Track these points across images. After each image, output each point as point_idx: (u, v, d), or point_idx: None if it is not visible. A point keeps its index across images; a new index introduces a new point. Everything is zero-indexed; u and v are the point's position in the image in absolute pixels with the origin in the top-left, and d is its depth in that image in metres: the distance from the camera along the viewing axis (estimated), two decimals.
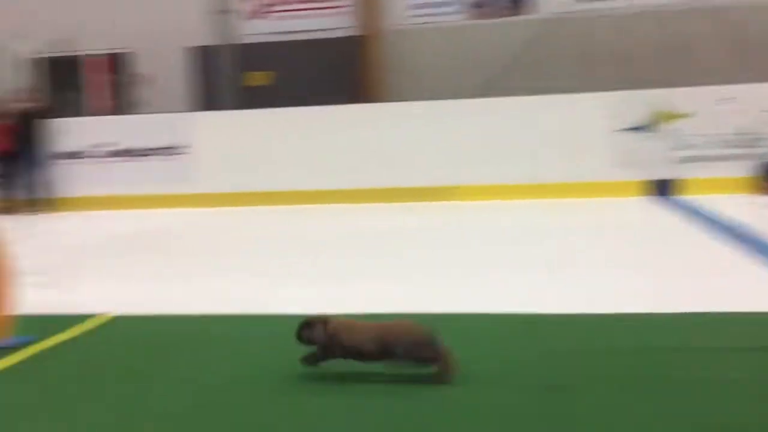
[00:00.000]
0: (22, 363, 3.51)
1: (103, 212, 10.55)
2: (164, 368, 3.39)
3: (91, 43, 12.02)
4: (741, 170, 9.32)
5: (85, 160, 11.14)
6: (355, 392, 2.95)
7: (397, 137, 10.37)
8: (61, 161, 11.06)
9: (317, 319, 3.03)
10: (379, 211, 9.27)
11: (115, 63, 12.82)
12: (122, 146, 11.06)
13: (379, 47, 12.60)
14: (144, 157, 11.01)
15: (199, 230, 8.69)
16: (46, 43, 12.67)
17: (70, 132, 11.05)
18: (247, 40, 12.82)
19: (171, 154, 10.90)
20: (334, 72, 12.62)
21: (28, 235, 7.75)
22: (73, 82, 12.81)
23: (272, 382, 3.11)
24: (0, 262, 3.67)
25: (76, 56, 12.39)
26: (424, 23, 12.71)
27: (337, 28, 12.87)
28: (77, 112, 11.77)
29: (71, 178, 10.98)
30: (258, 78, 12.65)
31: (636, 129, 9.91)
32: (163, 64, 13.11)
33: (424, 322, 3.09)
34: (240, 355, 3.53)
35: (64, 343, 3.85)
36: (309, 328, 3.02)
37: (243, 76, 12.60)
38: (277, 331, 3.59)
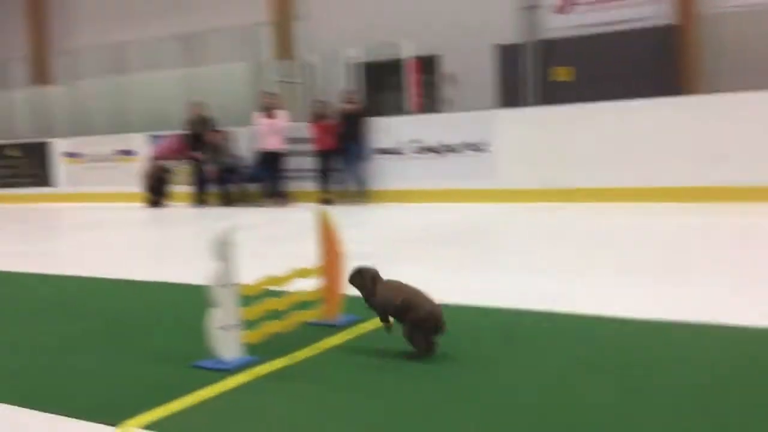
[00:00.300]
0: (350, 341, 3.75)
1: (414, 204, 11.19)
2: (507, 357, 3.43)
3: (407, 46, 12.76)
4: None
5: (398, 155, 11.90)
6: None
7: (726, 131, 9.50)
8: (379, 157, 11.95)
9: (362, 269, 3.54)
10: (713, 212, 8.59)
11: (426, 64, 13.47)
12: (429, 143, 11.61)
13: (697, 34, 11.64)
14: (450, 153, 11.44)
15: (503, 225, 8.79)
16: (369, 47, 13.74)
17: (386, 130, 11.89)
18: (551, 35, 12.66)
19: (475, 150, 11.19)
20: (644, 63, 11.94)
21: (352, 223, 8.45)
22: (392, 83, 13.72)
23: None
24: (332, 246, 4.03)
25: (394, 59, 13.25)
26: (745, 6, 11.47)
27: (647, 18, 12.15)
28: (397, 112, 12.59)
29: (387, 173, 11.83)
30: (562, 73, 12.44)
31: None
32: (471, 62, 13.47)
33: None
34: (561, 350, 3.47)
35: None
36: (356, 275, 3.54)
37: (548, 72, 12.48)
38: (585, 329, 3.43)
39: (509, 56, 12.77)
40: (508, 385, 3.03)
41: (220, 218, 10.83)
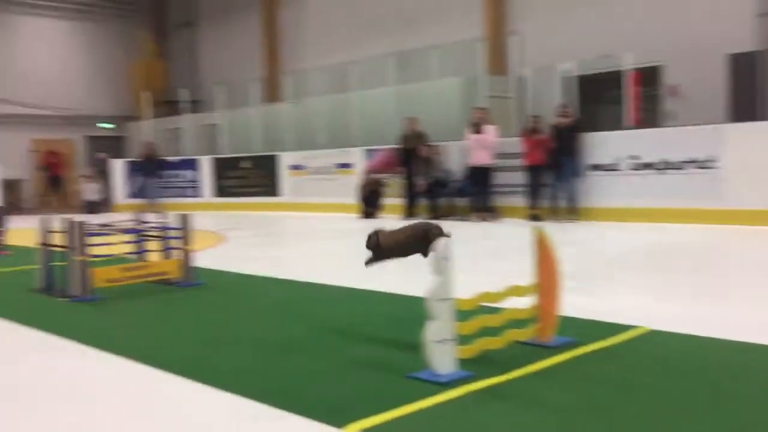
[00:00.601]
0: (564, 363, 3.61)
1: (630, 224, 10.59)
2: (691, 392, 3.13)
3: (626, 57, 12.17)
4: None
5: (613, 172, 11.33)
6: None
7: None
8: (592, 173, 11.46)
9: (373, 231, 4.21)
10: None
11: (647, 76, 12.75)
12: (649, 159, 10.94)
13: None
14: (671, 170, 10.70)
15: (730, 248, 8.03)
16: (583, 60, 13.29)
17: (601, 145, 11.39)
18: None
19: (700, 168, 10.36)
20: None
21: (564, 241, 8.12)
22: (609, 96, 13.16)
23: None
24: (548, 264, 3.87)
25: (610, 71, 12.70)
26: None
27: None
28: (614, 126, 12.04)
29: (600, 189, 11.31)
30: None
31: None
32: (697, 73, 12.55)
33: None
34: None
35: (603, 350, 3.87)
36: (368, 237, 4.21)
37: None
38: None
39: (743, 66, 11.72)
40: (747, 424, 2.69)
41: None
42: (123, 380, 3.61)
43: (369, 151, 15.10)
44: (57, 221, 6.22)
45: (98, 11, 23.20)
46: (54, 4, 22.47)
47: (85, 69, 22.97)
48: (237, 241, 10.52)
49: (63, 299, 5.80)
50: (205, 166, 18.05)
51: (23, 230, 10.77)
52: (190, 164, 18.17)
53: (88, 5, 22.94)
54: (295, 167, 16.67)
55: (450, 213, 12.98)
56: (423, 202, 13.36)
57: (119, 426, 2.97)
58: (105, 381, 3.61)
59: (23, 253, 8.84)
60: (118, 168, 19.00)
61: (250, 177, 17.42)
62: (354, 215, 14.15)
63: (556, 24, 14.78)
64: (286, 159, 16.83)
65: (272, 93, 20.35)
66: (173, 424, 2.98)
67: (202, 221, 11.65)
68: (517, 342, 3.90)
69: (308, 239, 10.88)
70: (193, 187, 18.22)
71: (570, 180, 11.44)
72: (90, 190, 18.38)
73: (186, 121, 19.78)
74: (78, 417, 3.08)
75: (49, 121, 22.05)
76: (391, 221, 13.04)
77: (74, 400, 3.32)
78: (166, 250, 6.56)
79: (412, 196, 13.41)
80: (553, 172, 11.63)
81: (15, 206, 19.15)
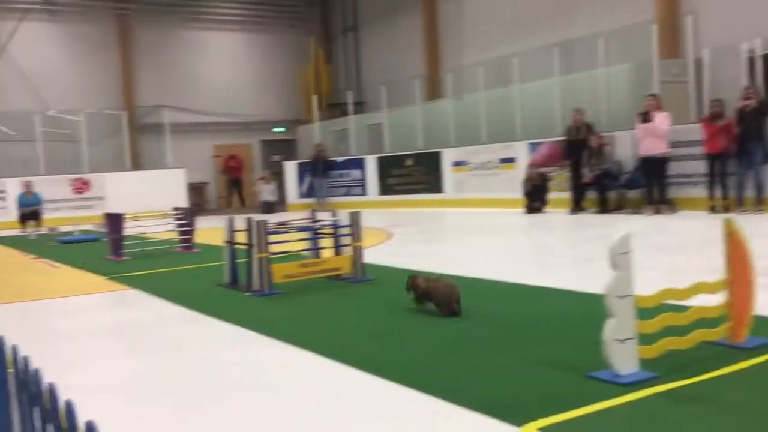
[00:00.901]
0: (760, 366, 3.34)
1: None
2: None
3: None
4: None
5: None
6: None
7: None
8: None
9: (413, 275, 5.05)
10: None
11: None
12: None
13: None
14: None
15: None
16: None
17: None
18: None
19: None
20: None
21: (756, 234, 7.41)
22: None
23: None
24: (741, 259, 3.56)
25: None
26: None
27: None
28: None
29: None
30: None
31: None
32: None
33: None
34: None
35: None
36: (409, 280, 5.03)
37: None
38: None
39: None
40: None
41: (599, 225, 10.48)
42: (307, 372, 3.73)
43: (533, 144, 14.76)
44: (240, 221, 6.43)
45: (273, 22, 24.32)
46: (238, 18, 23.72)
47: (259, 77, 24.22)
48: (402, 238, 10.58)
49: (247, 293, 6.03)
50: (371, 165, 18.27)
51: (208, 229, 11.09)
52: (357, 163, 18.45)
53: (264, 17, 24.12)
54: (458, 163, 16.61)
55: (620, 206, 12.41)
56: (591, 195, 12.86)
57: (306, 416, 3.06)
58: (292, 371, 3.73)
59: (209, 250, 9.18)
60: (290, 169, 19.75)
61: (413, 174, 17.53)
62: (518, 210, 13.84)
63: (737, 1, 13.65)
64: (448, 155, 16.80)
65: (433, 90, 20.46)
66: (353, 415, 3.04)
67: (369, 219, 11.74)
68: (706, 342, 3.62)
69: (473, 235, 10.77)
70: (359, 185, 18.49)
71: (758, 167, 10.52)
72: (266, 191, 18.99)
73: (352, 122, 20.16)
74: (264, 407, 3.21)
75: (229, 128, 23.30)
76: (557, 215, 12.68)
77: (266, 389, 3.46)
78: (338, 247, 6.67)
79: (578, 188, 12.95)
80: (738, 160, 10.75)
81: (201, 207, 20.40)
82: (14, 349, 2.30)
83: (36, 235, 13.85)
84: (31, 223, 15.31)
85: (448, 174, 16.70)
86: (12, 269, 8.99)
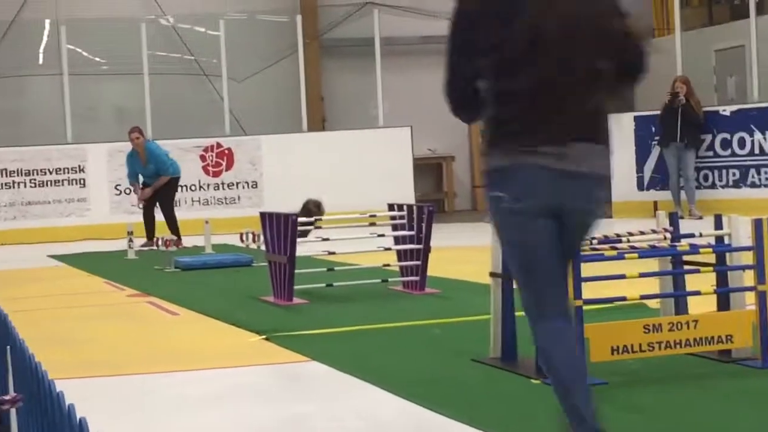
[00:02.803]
0: None
1: None
2: None
3: None
4: None
5: None
6: None
7: None
8: None
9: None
10: None
11: None
12: None
13: None
14: None
15: None
16: None
17: None
18: None
19: None
20: None
21: None
22: None
23: None
24: None
25: None
26: None
27: None
28: None
29: None
30: None
31: None
32: None
33: None
34: None
35: None
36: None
37: None
38: None
39: None
40: None
41: None
42: None
43: None
44: None
45: None
46: None
47: None
48: None
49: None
50: None
51: (451, 249, 8.78)
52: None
53: None
54: None
55: None
56: None
57: None
58: None
59: (454, 290, 7.10)
60: (619, 132, 12.06)
61: None
62: None
63: None
64: None
65: None
66: None
67: None
68: None
69: None
70: None
71: None
72: None
73: (753, 32, 12.05)
74: None
75: None
76: None
77: None
78: (722, 293, 4.56)
79: None
80: None
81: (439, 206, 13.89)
82: None
83: (137, 252, 10.03)
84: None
85: None
86: (99, 315, 6.87)
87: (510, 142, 2.46)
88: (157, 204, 9.84)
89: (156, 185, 9.81)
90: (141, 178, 10.03)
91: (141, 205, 9.97)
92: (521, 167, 2.47)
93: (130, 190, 10.42)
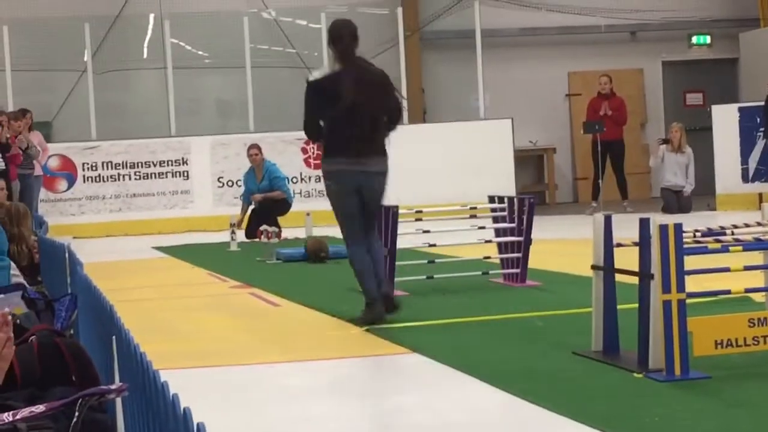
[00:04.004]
0: None
1: None
2: None
3: None
4: None
5: None
6: None
7: None
8: None
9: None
10: None
11: None
12: None
13: None
14: None
15: None
16: None
17: None
18: None
19: None
20: None
21: None
22: None
23: None
24: None
25: None
26: None
27: None
28: None
29: None
30: None
31: None
32: None
33: None
34: None
35: None
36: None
37: None
38: None
39: None
40: None
41: None
42: None
43: None
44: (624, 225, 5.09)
45: None
46: None
47: None
48: None
49: (638, 374, 4.15)
50: None
51: (551, 242, 8.66)
52: None
53: None
54: None
55: None
56: None
57: None
58: None
59: (555, 282, 7.05)
60: (723, 122, 12.41)
61: None
62: None
63: None
64: None
65: None
66: None
67: None
68: None
69: None
70: None
71: None
72: (672, 167, 12.50)
73: None
74: None
75: (600, 39, 14.97)
76: None
77: None
78: None
79: None
80: None
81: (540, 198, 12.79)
82: None
83: (239, 244, 10.05)
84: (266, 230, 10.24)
85: None
86: (202, 306, 6.95)
87: (334, 156, 5.09)
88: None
89: (269, 195, 9.88)
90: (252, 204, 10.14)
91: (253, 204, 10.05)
92: (339, 169, 5.09)
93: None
